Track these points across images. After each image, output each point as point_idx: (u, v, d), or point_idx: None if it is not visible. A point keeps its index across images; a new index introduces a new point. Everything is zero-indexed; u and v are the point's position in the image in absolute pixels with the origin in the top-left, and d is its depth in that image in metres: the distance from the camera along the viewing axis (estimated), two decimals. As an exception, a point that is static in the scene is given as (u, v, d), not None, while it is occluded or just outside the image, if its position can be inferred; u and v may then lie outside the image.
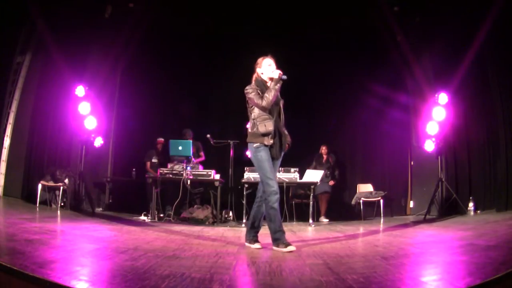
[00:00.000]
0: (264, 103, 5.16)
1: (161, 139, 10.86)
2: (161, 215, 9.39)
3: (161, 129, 11.64)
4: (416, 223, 8.70)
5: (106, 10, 10.48)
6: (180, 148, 9.41)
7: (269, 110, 5.24)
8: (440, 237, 6.31)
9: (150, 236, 6.06)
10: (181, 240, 5.74)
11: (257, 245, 5.22)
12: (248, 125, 5.43)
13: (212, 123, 11.53)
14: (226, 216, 9.54)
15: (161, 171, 9.27)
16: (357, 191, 11.09)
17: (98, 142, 10.79)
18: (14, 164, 10.13)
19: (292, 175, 9.36)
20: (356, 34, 11.18)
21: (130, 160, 11.64)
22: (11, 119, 10.13)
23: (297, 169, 9.49)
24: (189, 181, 9.08)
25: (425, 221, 8.98)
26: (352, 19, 10.82)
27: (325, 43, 11.46)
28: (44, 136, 10.55)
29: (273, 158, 5.26)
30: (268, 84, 5.32)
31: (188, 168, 9.18)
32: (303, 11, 10.92)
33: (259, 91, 5.26)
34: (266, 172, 5.10)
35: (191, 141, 9.76)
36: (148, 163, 10.68)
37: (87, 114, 10.22)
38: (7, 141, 10.08)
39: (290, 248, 4.85)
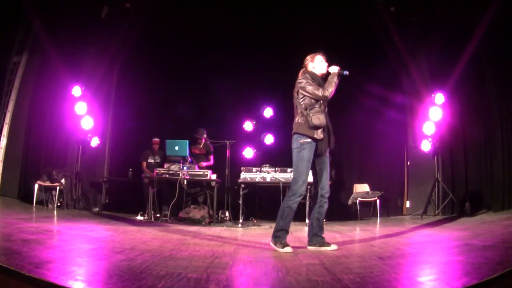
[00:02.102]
0: (326, 93, 5.14)
1: (156, 139, 10.83)
2: (158, 215, 9.38)
3: (157, 129, 11.60)
4: (412, 223, 8.71)
5: (102, 10, 10.48)
6: (176, 148, 9.39)
7: (321, 104, 5.19)
8: (436, 237, 6.32)
9: (146, 236, 6.06)
10: (178, 240, 5.74)
11: (333, 246, 5.05)
12: (297, 118, 5.29)
13: (208, 123, 11.49)
14: (223, 216, 9.52)
15: (157, 171, 9.26)
16: (354, 191, 11.09)
17: (95, 142, 10.82)
18: (11, 164, 10.12)
19: (288, 175, 9.33)
20: (352, 34, 11.17)
21: (127, 160, 11.62)
22: (7, 119, 10.11)
23: (294, 169, 9.47)
24: (185, 181, 9.07)
25: (421, 221, 9.00)
26: (348, 19, 10.82)
27: (321, 43, 11.40)
28: (41, 136, 10.56)
29: (320, 155, 5.17)
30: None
31: (185, 168, 9.17)
32: (299, 10, 10.92)
33: (313, 83, 5.23)
34: (302, 172, 5.03)
35: (187, 141, 9.74)
36: (144, 163, 10.67)
37: (84, 114, 10.25)
38: (3, 141, 10.06)
39: (286, 249, 4.84)
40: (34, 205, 9.42)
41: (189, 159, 9.59)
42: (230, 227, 8.37)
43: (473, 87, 9.61)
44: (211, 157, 10.57)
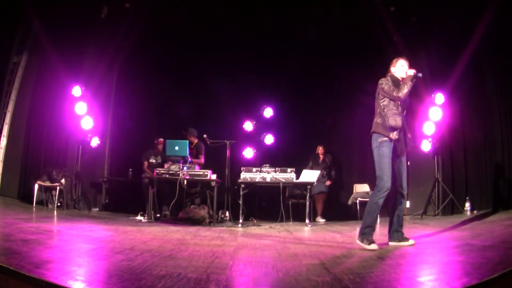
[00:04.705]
0: (400, 93, 5.35)
1: (161, 139, 10.78)
2: (158, 215, 9.37)
3: (157, 129, 11.61)
4: (412, 223, 8.70)
5: (102, 10, 10.48)
6: (176, 148, 9.38)
7: (398, 106, 5.44)
8: (436, 237, 6.31)
9: (146, 236, 6.05)
10: (178, 240, 5.74)
11: (411, 241, 5.26)
12: (376, 118, 5.67)
13: (208, 123, 11.51)
14: (223, 216, 9.50)
15: (157, 171, 9.24)
16: (354, 191, 11.09)
17: (95, 142, 10.82)
18: (11, 164, 10.11)
19: (288, 175, 9.34)
20: (352, 34, 11.17)
21: (127, 160, 11.63)
22: (7, 119, 10.10)
23: (294, 169, 9.46)
24: (185, 181, 9.05)
25: (421, 221, 8.99)
26: (348, 18, 10.82)
27: (321, 43, 11.45)
28: (41, 136, 10.56)
29: (398, 156, 5.47)
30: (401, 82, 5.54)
31: (185, 168, 9.15)
32: (300, 11, 10.92)
33: (392, 85, 5.47)
34: (384, 168, 5.30)
35: (187, 141, 9.73)
36: (146, 163, 10.61)
37: (84, 114, 10.25)
38: (3, 141, 10.06)
39: (372, 246, 5.01)
40: (34, 205, 9.43)
41: (189, 159, 9.58)
42: (230, 227, 8.36)
43: (473, 87, 9.61)
44: (202, 157, 10.51)
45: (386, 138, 5.40)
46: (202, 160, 10.41)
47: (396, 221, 5.38)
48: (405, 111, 5.58)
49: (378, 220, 9.60)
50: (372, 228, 5.20)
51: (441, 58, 9.75)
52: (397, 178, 5.45)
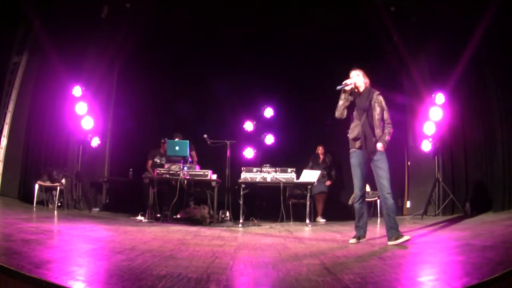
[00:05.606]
0: (335, 114, 5.89)
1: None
2: (158, 215, 9.37)
3: (157, 129, 11.60)
4: (413, 223, 8.70)
5: (102, 10, 10.48)
6: (177, 148, 9.37)
7: (356, 116, 5.86)
8: (436, 237, 6.32)
9: (146, 236, 6.06)
10: (178, 240, 5.74)
11: (406, 237, 5.34)
12: None
13: (209, 123, 11.50)
14: (223, 216, 9.52)
15: (157, 171, 9.23)
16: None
17: (95, 142, 10.83)
18: (11, 164, 10.13)
19: (289, 175, 9.34)
20: (352, 34, 11.16)
21: (127, 160, 11.61)
22: (8, 119, 10.12)
23: (294, 169, 9.46)
24: (185, 181, 9.04)
25: (422, 221, 8.99)
26: (348, 19, 10.81)
27: (321, 43, 11.44)
28: (41, 136, 10.56)
29: (370, 160, 5.91)
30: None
31: (185, 168, 9.14)
32: (300, 11, 10.92)
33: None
34: (353, 177, 5.96)
35: (187, 141, 9.73)
36: (150, 162, 10.55)
37: (84, 114, 10.25)
38: (4, 141, 10.07)
39: (351, 240, 5.74)
40: (34, 205, 9.42)
41: (190, 159, 9.58)
42: (231, 227, 8.36)
43: (473, 87, 9.60)
44: (194, 154, 10.46)
45: (354, 149, 5.90)
46: (195, 157, 10.39)
47: (387, 220, 5.51)
48: (367, 112, 5.89)
49: (378, 220, 9.69)
50: (358, 227, 5.84)
51: (441, 58, 9.76)
52: (375, 180, 5.84)
